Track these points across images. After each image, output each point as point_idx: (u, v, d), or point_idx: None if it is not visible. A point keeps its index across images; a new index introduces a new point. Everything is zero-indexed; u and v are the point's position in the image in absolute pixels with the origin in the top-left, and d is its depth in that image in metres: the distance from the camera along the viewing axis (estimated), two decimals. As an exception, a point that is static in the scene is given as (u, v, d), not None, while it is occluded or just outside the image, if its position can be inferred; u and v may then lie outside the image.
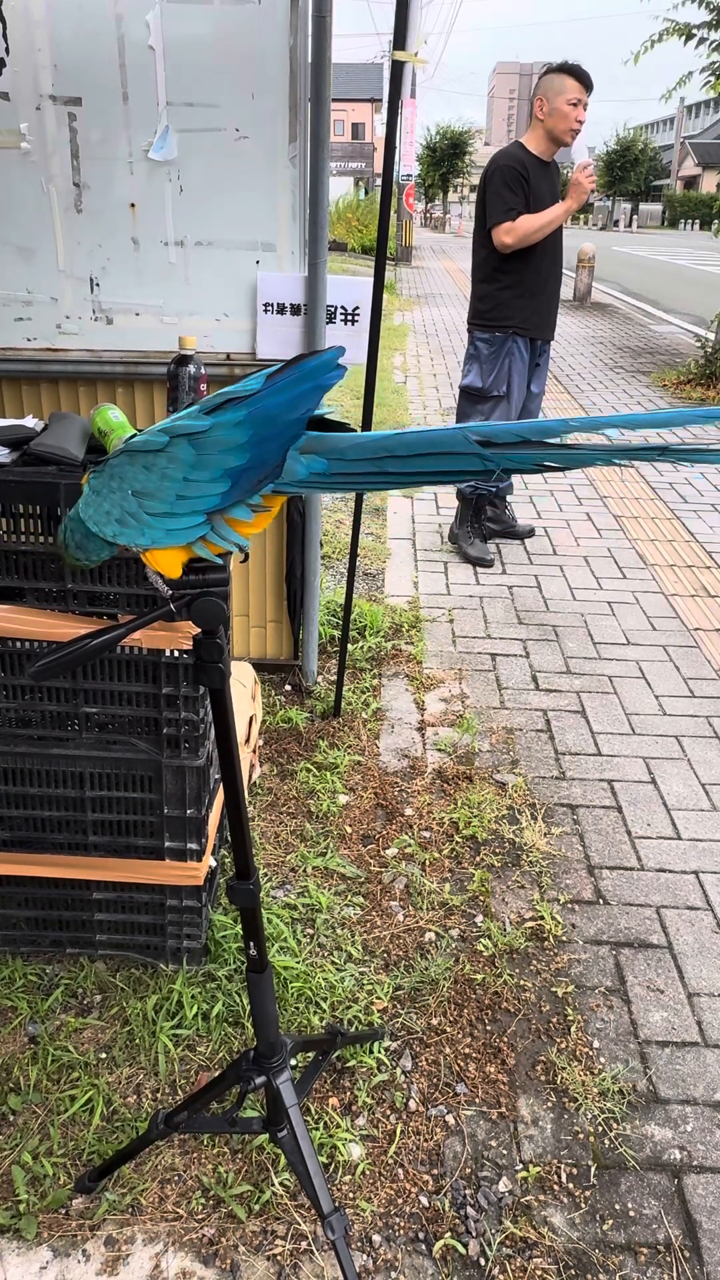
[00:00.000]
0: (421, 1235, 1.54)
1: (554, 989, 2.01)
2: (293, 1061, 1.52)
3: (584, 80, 3.75)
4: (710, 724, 3.01)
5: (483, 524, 4.42)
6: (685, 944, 2.14)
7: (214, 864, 2.08)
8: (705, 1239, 1.55)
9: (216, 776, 2.02)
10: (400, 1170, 1.64)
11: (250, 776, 2.54)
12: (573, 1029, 1.91)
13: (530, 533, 4.59)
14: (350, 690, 3.12)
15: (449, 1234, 1.54)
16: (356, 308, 2.66)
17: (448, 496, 5.18)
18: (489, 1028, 1.92)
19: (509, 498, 4.64)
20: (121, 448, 1.16)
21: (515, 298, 3.95)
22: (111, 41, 2.40)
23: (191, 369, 2.14)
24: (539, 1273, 1.49)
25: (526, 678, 3.28)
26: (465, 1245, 1.53)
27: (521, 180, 3.80)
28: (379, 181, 2.54)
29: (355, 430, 1.17)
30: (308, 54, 2.38)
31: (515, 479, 4.42)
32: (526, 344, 4.03)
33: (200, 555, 1.19)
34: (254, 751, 2.58)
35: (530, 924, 2.18)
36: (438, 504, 5.07)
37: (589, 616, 3.76)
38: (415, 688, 3.20)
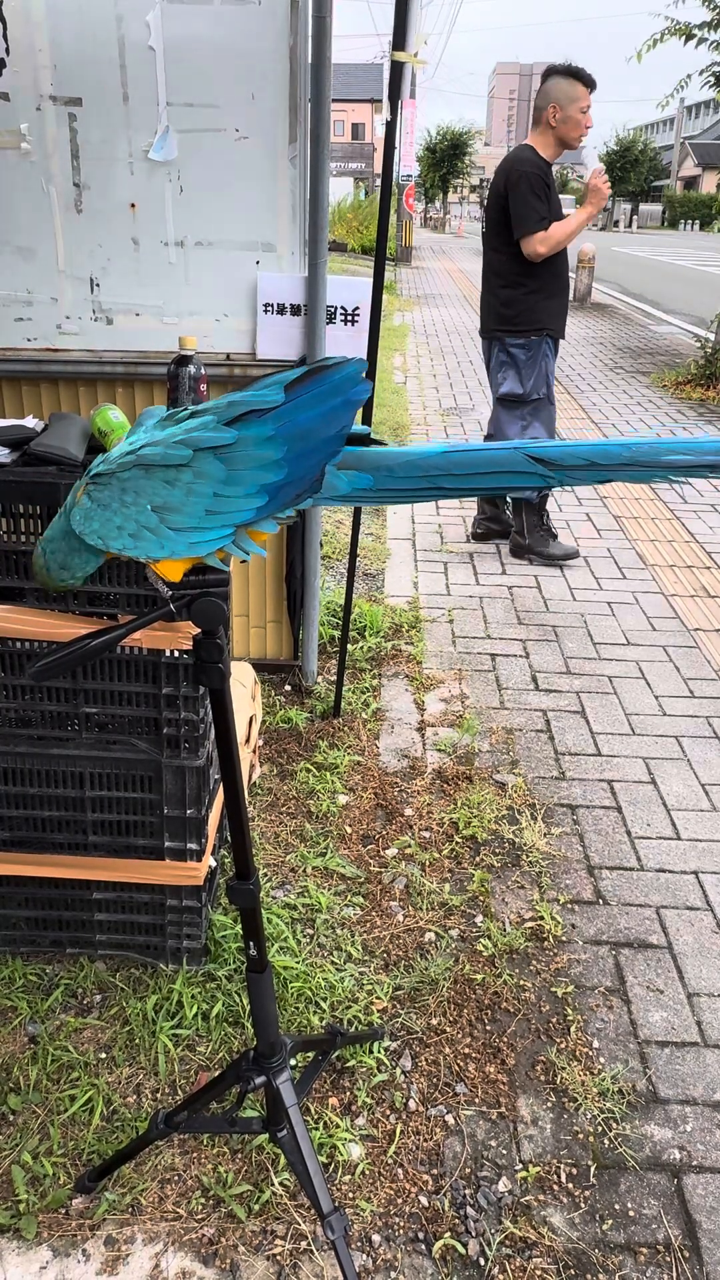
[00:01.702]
0: (421, 1235, 1.55)
1: (554, 989, 2.01)
2: (292, 1061, 1.52)
3: (591, 83, 3.79)
4: (710, 724, 3.01)
5: (547, 522, 4.38)
6: (685, 944, 2.14)
7: (214, 864, 2.08)
8: (705, 1239, 1.55)
9: (216, 776, 2.02)
10: (400, 1170, 1.64)
11: (250, 777, 2.54)
12: (572, 1029, 1.91)
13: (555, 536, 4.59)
14: (350, 690, 3.12)
15: (449, 1234, 1.54)
16: (356, 308, 2.66)
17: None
18: (489, 1028, 1.92)
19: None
20: (130, 459, 1.11)
21: (542, 300, 3.99)
22: (111, 42, 2.41)
23: (191, 369, 2.14)
24: (539, 1273, 1.49)
25: (526, 678, 3.28)
26: (465, 1245, 1.53)
27: (545, 188, 3.83)
28: (379, 182, 2.53)
29: (386, 443, 1.17)
30: (308, 54, 2.38)
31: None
32: (553, 344, 4.08)
33: (209, 563, 1.20)
34: (254, 751, 2.58)
35: (530, 924, 2.18)
36: (438, 504, 5.07)
37: (589, 617, 3.76)
38: (415, 688, 3.20)
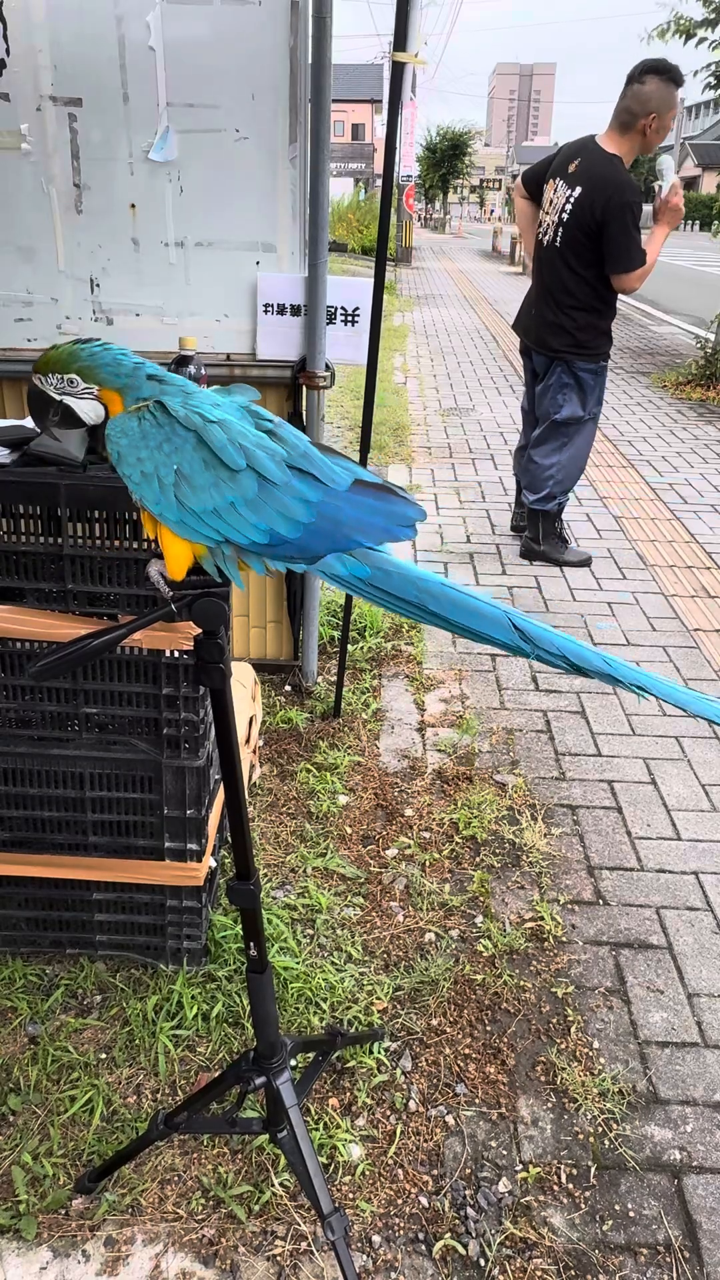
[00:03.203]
0: (421, 1236, 1.54)
1: (554, 989, 2.01)
2: (293, 1062, 1.52)
3: (682, 82, 3.57)
4: (710, 724, 3.01)
5: (562, 528, 4.38)
6: (685, 944, 2.14)
7: (214, 864, 2.08)
8: (705, 1239, 1.55)
9: (216, 777, 2.02)
10: (400, 1171, 1.64)
11: (250, 777, 2.54)
12: (573, 1029, 1.91)
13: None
14: (350, 691, 3.12)
15: (449, 1234, 1.54)
16: (357, 308, 2.66)
17: (447, 497, 5.19)
18: (489, 1028, 1.92)
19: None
20: (198, 423, 1.14)
21: (611, 325, 3.95)
22: (112, 42, 2.41)
23: (192, 369, 2.15)
24: (539, 1273, 1.49)
25: (526, 678, 3.28)
26: (465, 1246, 1.53)
27: (641, 214, 3.68)
28: (379, 182, 2.54)
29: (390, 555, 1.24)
30: (308, 55, 2.38)
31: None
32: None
33: (208, 571, 1.22)
34: (254, 752, 2.58)
35: (530, 924, 2.18)
36: (438, 505, 5.07)
37: (589, 617, 3.76)
38: (415, 688, 3.20)
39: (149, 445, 1.15)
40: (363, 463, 2.66)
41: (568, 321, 3.92)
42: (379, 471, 5.58)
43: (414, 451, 6.09)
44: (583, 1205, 1.60)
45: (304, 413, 2.78)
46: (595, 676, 1.20)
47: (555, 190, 3.87)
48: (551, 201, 3.89)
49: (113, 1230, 1.53)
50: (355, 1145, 1.68)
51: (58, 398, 1.19)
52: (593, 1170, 1.65)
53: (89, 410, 1.20)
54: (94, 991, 1.96)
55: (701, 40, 7.77)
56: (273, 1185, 1.59)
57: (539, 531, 4.29)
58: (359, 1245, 1.53)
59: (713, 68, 8.13)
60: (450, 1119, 1.74)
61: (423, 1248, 1.53)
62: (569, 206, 3.78)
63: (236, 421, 1.17)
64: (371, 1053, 1.84)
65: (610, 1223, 1.57)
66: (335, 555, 1.21)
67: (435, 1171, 1.64)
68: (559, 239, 3.85)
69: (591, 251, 3.73)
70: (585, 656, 1.19)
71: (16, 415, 2.79)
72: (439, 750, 2.85)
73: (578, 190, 3.74)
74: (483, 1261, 1.51)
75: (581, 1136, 1.71)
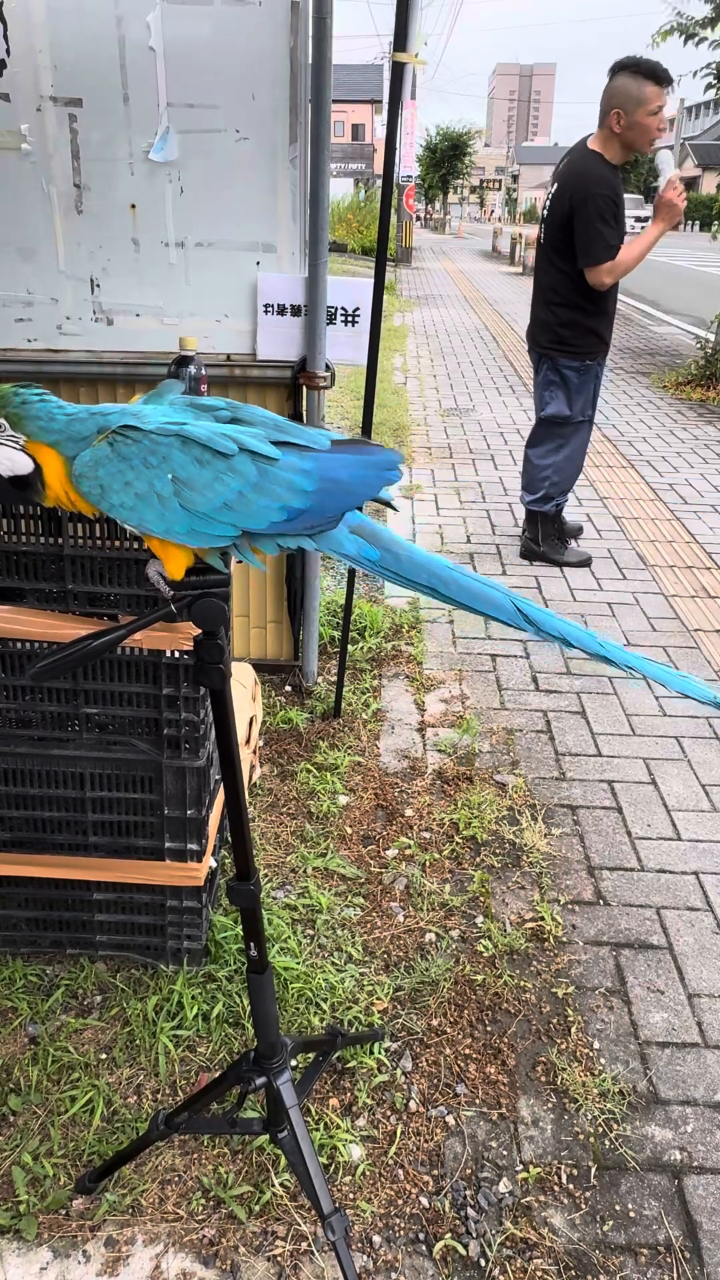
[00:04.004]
0: (422, 1236, 1.54)
1: (554, 990, 2.01)
2: (293, 1062, 1.52)
3: (665, 80, 3.39)
4: (710, 724, 3.01)
5: (563, 529, 4.38)
6: (685, 945, 2.14)
7: (214, 865, 2.08)
8: (705, 1240, 1.55)
9: (217, 777, 2.02)
10: (400, 1171, 1.64)
11: (250, 777, 2.54)
12: (573, 1030, 1.91)
13: (579, 530, 4.57)
14: (350, 691, 3.12)
15: (449, 1235, 1.54)
16: (357, 309, 2.66)
17: (448, 499, 5.19)
18: (489, 1028, 1.92)
19: None
20: (173, 428, 1.12)
21: (602, 323, 3.88)
22: (112, 43, 2.41)
23: (192, 370, 2.14)
24: (539, 1273, 1.49)
25: (526, 678, 3.28)
26: (465, 1246, 1.53)
27: (615, 208, 3.59)
28: (379, 182, 2.53)
29: (395, 535, 1.28)
30: (308, 55, 2.38)
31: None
32: (602, 364, 4.01)
33: (212, 565, 1.21)
34: (254, 752, 2.58)
35: (530, 925, 2.18)
36: (438, 505, 5.07)
37: (589, 617, 3.76)
38: (415, 688, 3.20)
39: (133, 465, 1.11)
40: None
41: (552, 318, 3.94)
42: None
43: (414, 452, 6.09)
44: (583, 1205, 1.60)
45: (304, 413, 2.78)
46: (591, 656, 1.28)
47: (548, 190, 3.94)
48: (544, 201, 3.96)
49: (113, 1230, 1.53)
50: (355, 1145, 1.68)
51: None
52: (593, 1170, 1.65)
53: (4, 459, 1.15)
54: (94, 992, 1.96)
55: (702, 40, 7.77)
56: (273, 1185, 1.59)
57: (538, 532, 4.29)
58: (359, 1245, 1.53)
59: (713, 67, 8.13)
60: (450, 1119, 1.74)
61: (423, 1248, 1.53)
62: (549, 203, 3.85)
63: (197, 421, 1.16)
64: (372, 1053, 1.84)
65: (611, 1223, 1.57)
66: (343, 532, 1.22)
67: (435, 1172, 1.64)
68: (544, 236, 3.90)
69: (569, 247, 3.73)
70: (584, 640, 1.27)
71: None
72: (439, 750, 2.85)
73: (555, 186, 3.81)
74: (483, 1262, 1.51)
75: (582, 1137, 1.71)
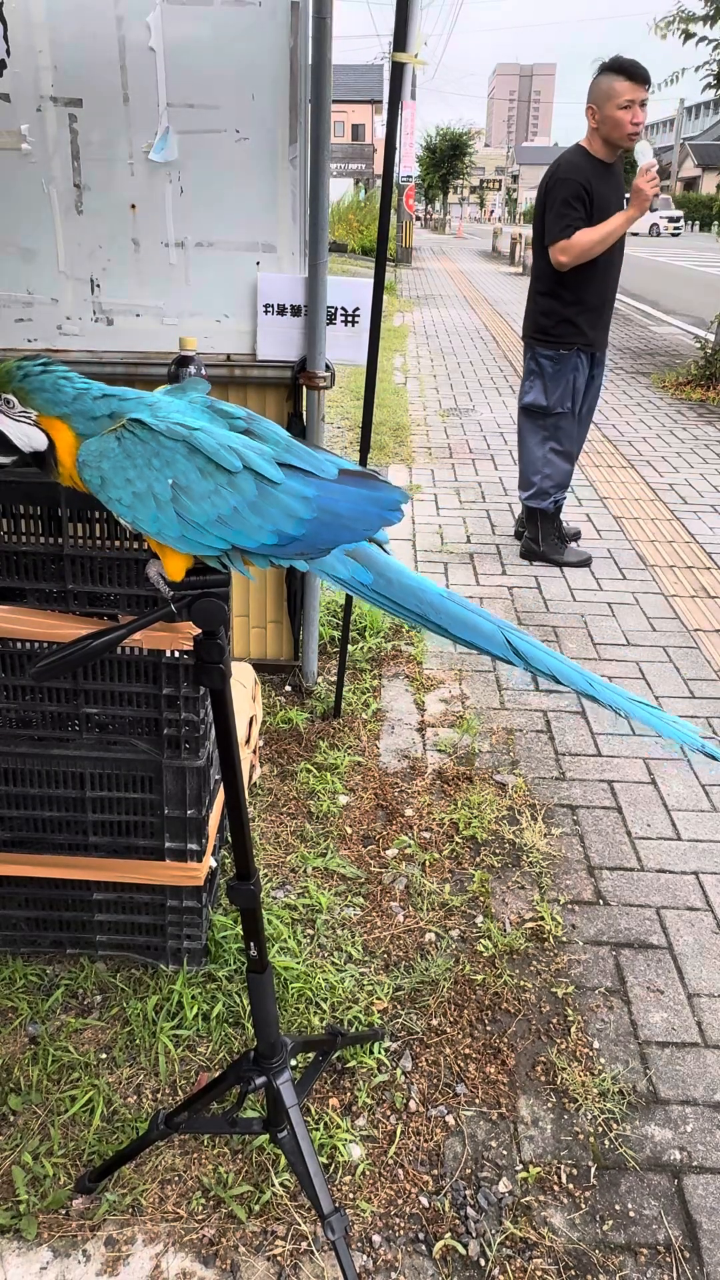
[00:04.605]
0: (421, 1236, 1.55)
1: (554, 989, 2.01)
2: (293, 1062, 1.53)
3: (637, 76, 3.51)
4: (710, 724, 3.01)
5: (561, 529, 4.39)
6: (685, 944, 2.14)
7: (214, 864, 2.08)
8: (705, 1239, 1.55)
9: (217, 777, 2.02)
10: (400, 1171, 1.64)
11: (250, 777, 2.54)
12: (573, 1029, 1.91)
13: (577, 534, 4.56)
14: (350, 691, 3.12)
15: (449, 1234, 1.54)
16: (357, 309, 2.66)
17: (448, 499, 5.19)
18: (489, 1028, 1.92)
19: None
20: (182, 433, 1.11)
21: (580, 313, 3.88)
22: (112, 43, 2.41)
23: (192, 370, 2.15)
24: (539, 1273, 1.49)
25: (526, 678, 3.28)
26: (465, 1246, 1.53)
27: (583, 193, 3.66)
28: (379, 182, 2.54)
29: (393, 556, 1.27)
30: (308, 55, 2.38)
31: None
32: (588, 358, 3.99)
33: (210, 565, 1.21)
34: (254, 752, 2.58)
35: (530, 924, 2.18)
36: (438, 505, 5.07)
37: (589, 617, 3.76)
38: (415, 688, 3.20)
39: (136, 463, 1.11)
40: (363, 463, 2.67)
41: (533, 306, 4.02)
42: (380, 472, 5.58)
43: (414, 451, 6.09)
44: (583, 1205, 1.60)
45: (304, 413, 2.79)
46: (579, 695, 1.26)
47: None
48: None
49: (113, 1230, 1.53)
50: (355, 1145, 1.68)
51: None
52: (593, 1170, 1.65)
53: (21, 435, 1.14)
54: (94, 991, 1.96)
55: (701, 39, 7.77)
56: (273, 1185, 1.59)
57: (538, 532, 4.29)
58: (359, 1245, 1.53)
59: (713, 67, 8.12)
60: (450, 1119, 1.74)
61: (423, 1248, 1.53)
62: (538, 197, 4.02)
63: (212, 426, 1.15)
64: (371, 1053, 1.84)
65: (610, 1223, 1.57)
66: (337, 555, 1.21)
67: (435, 1171, 1.65)
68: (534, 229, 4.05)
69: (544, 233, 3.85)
70: (572, 678, 1.24)
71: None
72: (439, 750, 2.85)
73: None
74: (483, 1261, 1.51)
75: (582, 1136, 1.71)
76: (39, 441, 1.15)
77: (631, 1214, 1.59)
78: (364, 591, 1.23)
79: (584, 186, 3.67)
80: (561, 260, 3.74)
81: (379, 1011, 1.94)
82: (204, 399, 1.22)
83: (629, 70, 3.54)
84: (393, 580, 1.23)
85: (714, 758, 1.29)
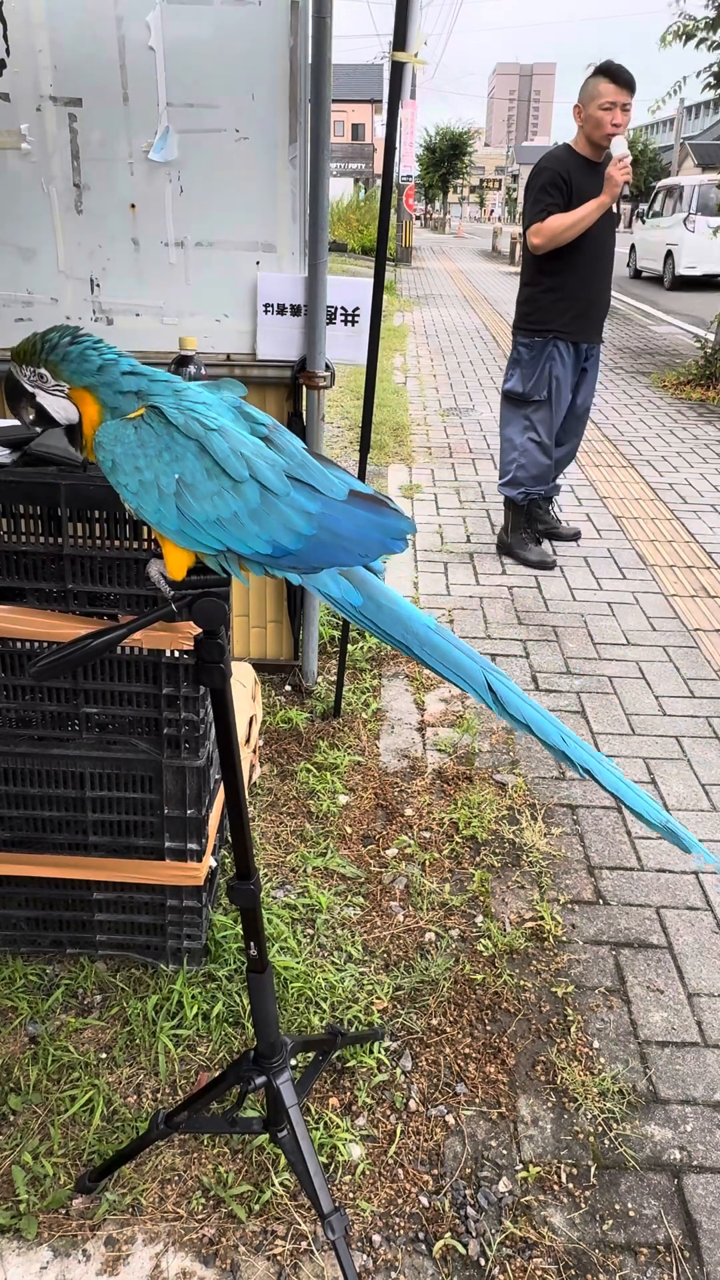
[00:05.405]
0: (421, 1235, 1.55)
1: (554, 989, 2.01)
2: (293, 1062, 1.53)
3: (620, 80, 3.65)
4: (710, 724, 3.01)
5: (535, 527, 4.41)
6: (685, 944, 2.14)
7: (214, 864, 2.08)
8: (705, 1239, 1.55)
9: (217, 777, 2.02)
10: (400, 1170, 1.64)
11: (250, 777, 2.54)
12: (573, 1029, 1.91)
13: (577, 534, 4.56)
14: (350, 690, 3.12)
15: (449, 1234, 1.54)
16: (357, 308, 2.66)
17: (448, 498, 5.19)
18: (489, 1028, 1.92)
19: (555, 498, 4.62)
20: (199, 432, 1.12)
21: (557, 301, 3.91)
22: (112, 42, 2.41)
23: (192, 369, 2.15)
24: (539, 1273, 1.49)
25: (526, 678, 3.28)
26: (465, 1245, 1.53)
27: (561, 182, 3.76)
28: (379, 182, 2.54)
29: (385, 582, 1.26)
30: (308, 55, 2.38)
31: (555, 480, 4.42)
32: (570, 348, 3.99)
33: (209, 566, 1.22)
34: (254, 752, 2.58)
35: (530, 924, 2.18)
36: (438, 505, 5.07)
37: (589, 617, 3.76)
38: (415, 688, 3.20)
39: (147, 453, 1.12)
40: (362, 463, 2.67)
41: (518, 295, 4.11)
42: (380, 471, 5.58)
43: (414, 451, 6.09)
44: (583, 1205, 1.60)
45: (304, 413, 2.78)
46: (550, 751, 1.24)
47: None
48: None
49: (113, 1230, 1.53)
50: (355, 1145, 1.68)
51: (31, 390, 1.16)
52: (593, 1170, 1.65)
53: (59, 409, 1.17)
54: (94, 991, 1.96)
55: (702, 41, 7.77)
56: (273, 1185, 1.59)
57: (508, 523, 4.33)
58: (359, 1245, 1.53)
59: (713, 68, 8.12)
60: (450, 1118, 1.74)
61: (423, 1247, 1.53)
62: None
63: (234, 427, 1.16)
64: (371, 1052, 1.84)
65: (610, 1222, 1.57)
66: (330, 573, 1.21)
67: (435, 1171, 1.65)
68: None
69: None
70: (546, 731, 1.23)
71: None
72: (439, 750, 2.85)
73: None
74: (483, 1261, 1.51)
75: (581, 1136, 1.71)
76: (73, 414, 1.17)
77: (631, 1213, 1.59)
78: (352, 613, 1.23)
79: (562, 176, 3.78)
80: (535, 243, 3.82)
81: (379, 1011, 1.94)
82: (235, 399, 1.22)
83: (613, 73, 3.68)
84: (382, 606, 1.23)
85: (685, 848, 1.25)
